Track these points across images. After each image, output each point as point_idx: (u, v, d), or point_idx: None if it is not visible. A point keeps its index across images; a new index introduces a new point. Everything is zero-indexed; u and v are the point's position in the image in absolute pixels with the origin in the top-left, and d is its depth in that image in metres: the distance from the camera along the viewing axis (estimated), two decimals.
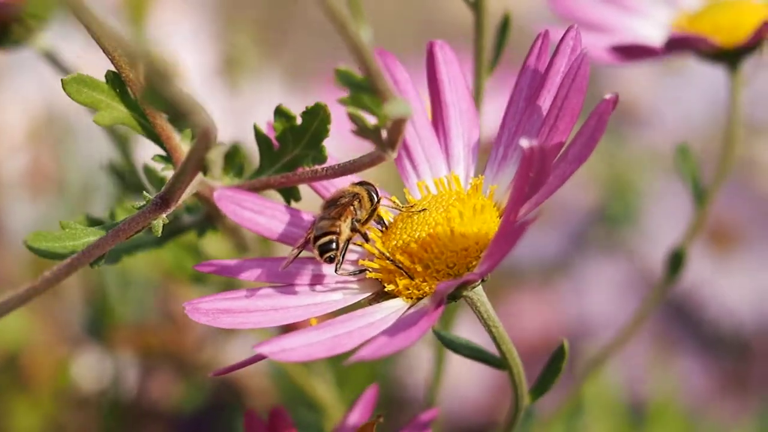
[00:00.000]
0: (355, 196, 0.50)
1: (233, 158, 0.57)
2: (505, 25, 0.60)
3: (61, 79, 0.49)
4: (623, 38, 0.67)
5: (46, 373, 1.05)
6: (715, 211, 1.17)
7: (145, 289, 1.09)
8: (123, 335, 1.01)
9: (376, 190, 0.51)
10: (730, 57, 0.65)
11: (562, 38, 0.48)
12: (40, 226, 1.21)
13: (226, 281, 0.67)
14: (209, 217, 0.56)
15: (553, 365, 0.52)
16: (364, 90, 0.42)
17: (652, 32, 0.69)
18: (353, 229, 0.50)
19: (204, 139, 0.41)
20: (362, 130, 0.44)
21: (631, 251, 1.22)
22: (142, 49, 0.36)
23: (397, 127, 0.43)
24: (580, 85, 0.45)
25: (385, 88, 0.41)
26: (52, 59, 0.68)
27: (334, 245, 0.49)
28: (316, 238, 0.49)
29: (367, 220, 0.51)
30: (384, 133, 0.44)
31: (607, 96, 0.43)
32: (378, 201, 0.51)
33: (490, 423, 1.11)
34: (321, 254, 0.49)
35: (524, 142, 0.41)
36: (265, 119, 1.29)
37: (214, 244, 0.68)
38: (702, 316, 1.16)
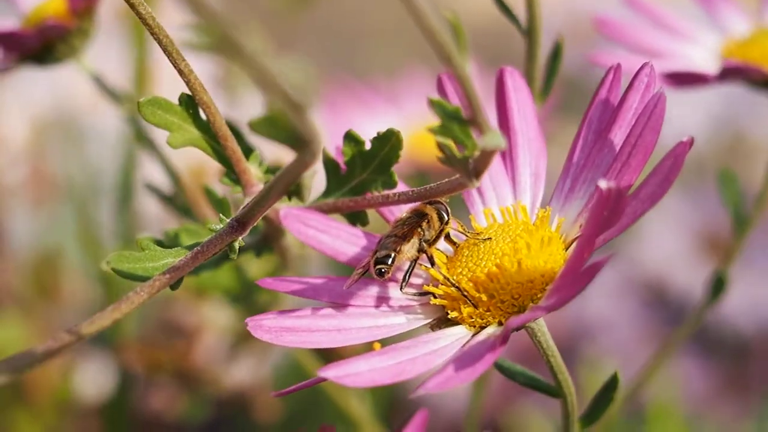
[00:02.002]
0: (424, 216, 0.51)
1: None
2: (556, 53, 0.61)
3: (138, 102, 0.50)
4: (675, 64, 0.68)
5: (47, 384, 1.04)
6: (715, 219, 1.19)
7: (150, 301, 1.08)
8: (127, 347, 1.00)
9: (447, 209, 0.52)
10: None
11: (636, 74, 0.49)
12: (43, 234, 1.21)
13: (270, 301, 0.68)
14: (266, 238, 0.57)
15: (604, 394, 0.52)
16: (457, 120, 0.43)
17: (702, 58, 0.70)
18: (420, 250, 0.51)
19: (305, 167, 0.41)
20: (450, 159, 0.45)
21: (629, 256, 1.23)
22: (277, 76, 0.37)
23: (487, 157, 0.44)
24: (655, 123, 0.46)
25: (484, 121, 0.42)
26: (95, 77, 0.68)
27: (390, 261, 0.50)
28: (376, 257, 0.50)
29: (435, 241, 0.51)
30: (471, 163, 0.45)
31: (685, 139, 0.44)
32: (448, 221, 0.51)
33: (492, 423, 1.11)
34: (374, 266, 0.50)
35: (602, 183, 0.41)
36: None
37: (254, 264, 0.69)
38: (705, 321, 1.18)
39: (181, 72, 0.50)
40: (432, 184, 0.48)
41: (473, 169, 0.45)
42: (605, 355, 1.11)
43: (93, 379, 1.05)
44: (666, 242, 1.23)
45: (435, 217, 0.51)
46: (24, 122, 1.26)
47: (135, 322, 1.08)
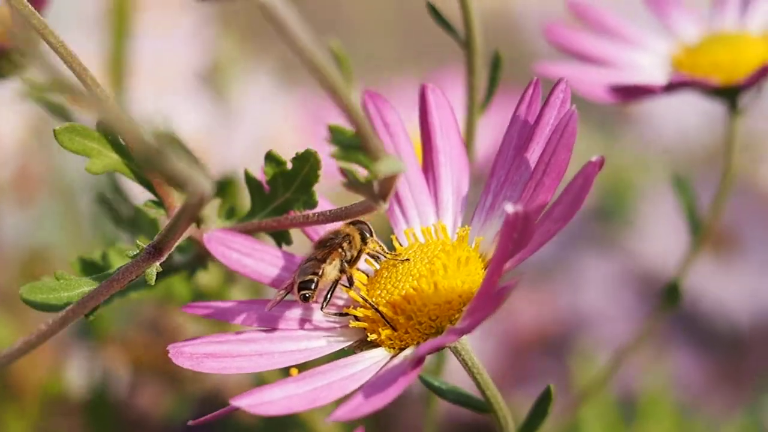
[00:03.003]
0: (346, 237, 0.50)
1: (225, 199, 0.57)
2: (496, 65, 0.60)
3: (54, 130, 0.49)
4: (623, 75, 0.66)
5: (34, 381, 1.05)
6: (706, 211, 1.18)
7: (135, 300, 1.09)
8: (113, 345, 1.01)
9: (369, 229, 0.51)
10: (728, 94, 0.66)
11: (552, 90, 0.48)
12: (32, 232, 1.21)
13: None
14: (200, 257, 0.56)
15: (539, 407, 0.52)
16: (355, 148, 0.42)
17: (652, 65, 0.69)
18: (342, 270, 0.50)
19: (199, 202, 0.41)
20: (353, 184, 0.44)
21: (625, 248, 1.23)
22: (135, 123, 0.37)
23: (389, 182, 0.44)
24: (567, 141, 0.45)
25: (376, 148, 0.41)
26: (39, 95, 0.68)
27: (313, 285, 0.49)
28: (299, 282, 0.50)
29: (355, 261, 0.51)
30: (376, 186, 0.44)
31: (594, 158, 0.43)
32: (367, 241, 0.51)
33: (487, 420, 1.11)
34: (298, 292, 0.49)
35: (509, 207, 0.41)
36: (252, 122, 1.28)
37: (204, 274, 0.68)
38: (695, 310, 1.17)
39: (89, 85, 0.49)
40: (346, 206, 0.48)
41: (378, 192, 0.44)
42: (599, 347, 1.10)
43: (80, 377, 1.06)
44: (661, 234, 1.21)
45: (356, 237, 0.51)
46: (13, 120, 1.27)
47: (121, 321, 1.08)
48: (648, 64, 0.69)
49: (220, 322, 0.74)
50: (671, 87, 0.62)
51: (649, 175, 1.30)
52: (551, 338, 1.20)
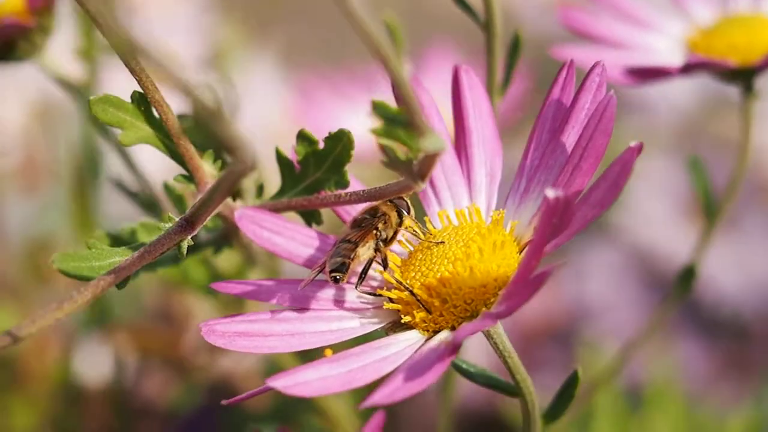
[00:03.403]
0: (381, 216, 0.50)
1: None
2: (515, 46, 0.60)
3: (89, 100, 0.49)
4: (639, 57, 0.66)
5: (42, 370, 1.04)
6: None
7: (143, 287, 1.09)
8: (120, 334, 1.01)
9: (408, 206, 0.51)
10: (744, 76, 0.66)
11: (588, 74, 0.48)
12: (36, 221, 1.20)
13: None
14: (226, 235, 0.56)
15: (565, 391, 0.52)
16: (399, 123, 0.42)
17: (667, 48, 0.69)
18: (377, 250, 0.50)
19: (242, 172, 0.41)
20: (394, 162, 0.44)
21: (625, 233, 1.23)
22: (193, 86, 0.37)
23: (430, 160, 0.43)
24: (606, 126, 0.45)
25: (422, 124, 0.41)
26: (56, 75, 0.68)
27: (344, 268, 0.49)
28: (330, 262, 0.50)
29: (391, 241, 0.50)
30: (415, 165, 0.44)
31: (633, 144, 0.43)
32: (405, 219, 0.50)
33: (494, 405, 1.11)
34: (329, 273, 0.49)
35: (550, 192, 0.41)
36: (257, 108, 1.27)
37: (223, 257, 0.68)
38: (701, 299, 1.17)
39: (132, 71, 0.49)
40: (381, 185, 0.47)
41: (418, 171, 0.44)
42: (605, 336, 1.10)
43: (88, 365, 1.05)
44: (653, 209, 1.21)
45: (393, 215, 0.51)
46: (18, 107, 1.26)
47: (128, 309, 1.08)
48: (663, 47, 0.69)
49: (233, 307, 0.74)
50: (688, 68, 0.62)
51: (644, 157, 1.30)
52: (557, 328, 1.19)
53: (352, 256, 0.49)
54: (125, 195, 0.66)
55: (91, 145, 0.97)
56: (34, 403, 1.03)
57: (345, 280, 0.49)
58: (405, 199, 0.51)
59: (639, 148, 0.43)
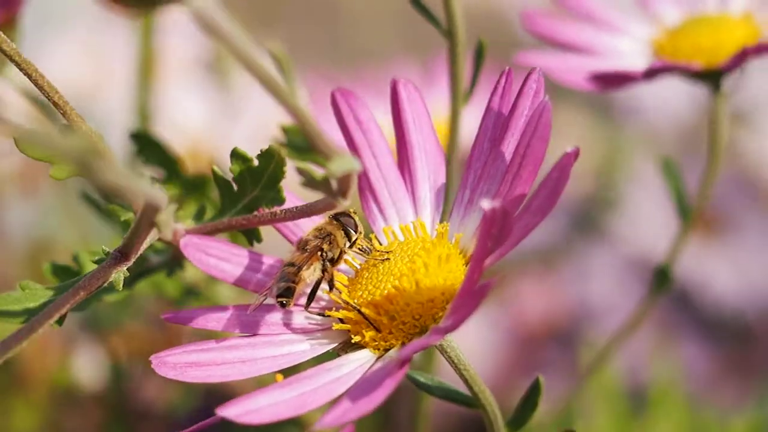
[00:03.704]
0: (327, 237, 0.50)
1: (200, 195, 0.57)
2: (479, 53, 0.59)
3: (14, 138, 0.48)
4: (604, 63, 0.65)
5: (42, 372, 1.05)
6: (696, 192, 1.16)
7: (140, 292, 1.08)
8: (119, 337, 1.00)
9: (355, 224, 0.50)
10: (711, 77, 0.64)
11: (525, 80, 0.47)
12: (37, 223, 1.21)
13: (209, 298, 0.67)
14: (176, 257, 0.56)
15: (529, 399, 0.51)
16: (303, 149, 0.41)
17: (633, 51, 0.68)
18: (324, 270, 0.49)
19: (150, 212, 0.40)
20: (311, 182, 0.43)
21: (623, 234, 1.22)
22: (70, 145, 0.36)
23: (346, 179, 0.43)
24: (542, 133, 0.44)
25: (326, 148, 0.40)
26: (23, 90, 0.68)
27: (290, 293, 0.49)
28: (276, 287, 0.49)
29: (338, 261, 0.50)
30: (334, 184, 0.43)
31: (569, 149, 0.42)
32: (354, 238, 0.50)
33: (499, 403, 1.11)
34: (276, 299, 0.49)
35: (485, 204, 0.40)
36: (256, 112, 1.26)
37: (190, 269, 0.67)
38: (702, 301, 1.16)
39: (55, 104, 0.48)
40: (309, 203, 0.47)
41: (338, 190, 0.43)
42: (606, 336, 1.09)
43: (88, 368, 1.05)
44: (654, 218, 1.20)
45: (339, 234, 0.50)
46: (17, 109, 1.26)
47: (128, 314, 1.08)
48: (629, 50, 0.68)
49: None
50: (652, 73, 0.61)
51: (641, 158, 1.29)
52: (559, 329, 1.19)
53: (297, 280, 0.49)
54: (93, 208, 0.66)
55: None
56: (33, 405, 1.03)
57: (292, 304, 0.49)
58: (353, 217, 0.50)
59: (576, 153, 0.42)
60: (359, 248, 0.50)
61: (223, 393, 1.00)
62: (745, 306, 1.14)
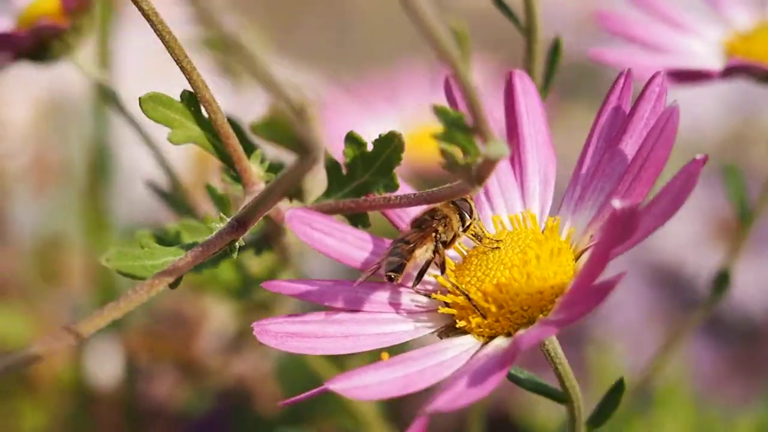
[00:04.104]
0: (443, 219, 0.50)
1: None
2: (555, 51, 0.60)
3: (139, 98, 0.49)
4: (678, 60, 0.67)
5: (52, 371, 1.04)
6: (723, 203, 1.18)
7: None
8: (131, 336, 1.00)
9: (471, 209, 0.50)
10: None
11: (648, 83, 0.48)
12: (46, 220, 1.20)
13: (271, 297, 0.67)
14: (267, 237, 0.56)
15: (611, 397, 0.51)
16: (461, 128, 0.42)
17: (705, 52, 0.69)
18: (435, 252, 0.50)
19: (305, 171, 0.40)
20: (452, 166, 0.44)
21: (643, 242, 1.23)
22: (281, 85, 0.36)
23: (489, 165, 0.43)
24: (667, 138, 0.45)
25: (488, 130, 0.41)
26: (89, 76, 0.68)
27: (400, 269, 0.49)
28: (387, 261, 0.49)
29: (451, 243, 0.50)
30: (474, 169, 0.44)
31: (698, 156, 0.43)
32: (469, 223, 0.50)
33: (504, 404, 1.11)
34: (385, 273, 0.49)
35: (617, 203, 0.40)
36: None
37: (253, 259, 0.68)
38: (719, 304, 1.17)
39: (183, 69, 0.49)
40: (435, 189, 0.47)
41: (476, 176, 0.44)
42: (614, 336, 1.10)
43: (98, 368, 1.05)
44: (679, 228, 1.22)
45: (455, 218, 0.50)
46: (27, 107, 1.25)
47: (140, 312, 1.07)
48: (701, 50, 0.69)
49: (255, 312, 0.74)
50: (729, 71, 0.62)
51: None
52: (566, 326, 1.19)
53: (408, 257, 0.49)
54: (157, 196, 0.66)
55: (103, 144, 0.97)
56: (44, 405, 1.02)
57: (400, 280, 0.49)
58: (469, 201, 0.50)
59: (704, 160, 0.43)
60: (472, 234, 0.50)
61: (238, 393, 1.00)
62: (755, 306, 1.16)
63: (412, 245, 0.49)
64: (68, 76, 1.29)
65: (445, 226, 0.50)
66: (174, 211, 0.66)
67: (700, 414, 0.99)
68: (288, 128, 0.38)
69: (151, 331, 1.03)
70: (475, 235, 0.50)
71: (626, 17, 0.68)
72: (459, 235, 0.50)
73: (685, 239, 1.21)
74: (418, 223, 0.50)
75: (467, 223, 0.50)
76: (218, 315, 1.01)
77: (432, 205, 0.50)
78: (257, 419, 0.98)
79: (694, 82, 0.63)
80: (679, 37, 0.69)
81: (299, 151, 0.39)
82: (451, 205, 0.50)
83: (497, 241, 0.49)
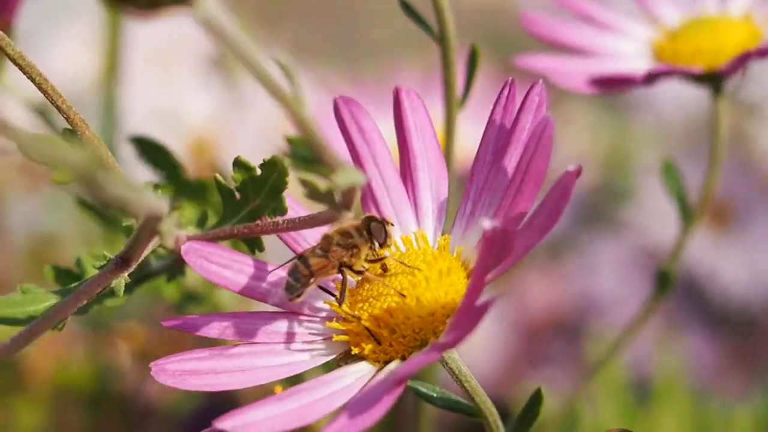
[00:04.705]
0: (352, 249, 0.48)
1: (204, 201, 0.56)
2: (473, 59, 0.58)
3: (17, 144, 0.48)
4: (604, 65, 0.65)
5: (44, 371, 1.05)
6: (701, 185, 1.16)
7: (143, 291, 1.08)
8: (122, 337, 1.00)
9: (385, 230, 0.49)
10: (712, 80, 0.64)
11: (528, 93, 0.46)
12: (40, 219, 1.21)
13: (211, 304, 0.67)
14: (177, 262, 0.55)
15: (530, 409, 0.50)
16: (308, 161, 0.41)
17: (633, 53, 0.67)
18: (340, 271, 0.48)
19: (152, 221, 0.40)
20: (314, 194, 0.43)
21: (634, 228, 1.21)
22: (75, 160, 0.35)
23: (350, 192, 0.43)
24: (545, 149, 0.44)
25: (331, 161, 0.40)
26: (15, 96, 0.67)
27: (297, 293, 0.48)
28: (286, 282, 0.48)
29: (354, 272, 0.49)
30: (338, 196, 0.43)
31: (571, 168, 0.42)
32: (383, 243, 0.49)
33: (502, 397, 1.11)
34: (285, 290, 0.48)
35: (486, 223, 0.40)
36: (262, 108, 1.26)
37: (193, 274, 0.67)
38: (709, 293, 1.16)
39: (59, 108, 0.48)
40: (312, 214, 0.46)
41: (341, 202, 0.43)
42: (612, 330, 1.09)
43: (89, 368, 1.05)
44: (662, 207, 1.19)
45: (365, 248, 0.49)
46: (20, 103, 1.26)
47: (131, 313, 1.08)
48: (629, 52, 0.67)
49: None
50: (652, 77, 0.61)
51: (653, 152, 1.28)
52: (564, 321, 1.18)
53: (307, 283, 0.48)
54: (88, 214, 0.65)
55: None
56: (36, 405, 1.03)
57: (297, 293, 0.48)
58: (382, 222, 0.49)
59: (578, 172, 0.42)
60: (368, 259, 0.49)
61: (225, 394, 1.00)
62: (752, 298, 1.14)
63: (311, 271, 0.48)
64: (67, 70, 1.29)
65: (353, 256, 0.48)
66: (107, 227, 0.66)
67: (698, 407, 0.98)
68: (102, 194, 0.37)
69: (140, 332, 1.03)
70: (370, 260, 0.49)
71: (550, 20, 0.65)
72: (364, 266, 0.49)
73: (670, 220, 1.19)
74: (325, 245, 0.49)
75: (374, 246, 0.48)
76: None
77: (342, 226, 0.49)
78: None
79: (620, 88, 0.62)
80: (608, 38, 0.67)
81: (122, 210, 0.38)
82: (365, 234, 0.48)
83: (385, 265, 0.48)
